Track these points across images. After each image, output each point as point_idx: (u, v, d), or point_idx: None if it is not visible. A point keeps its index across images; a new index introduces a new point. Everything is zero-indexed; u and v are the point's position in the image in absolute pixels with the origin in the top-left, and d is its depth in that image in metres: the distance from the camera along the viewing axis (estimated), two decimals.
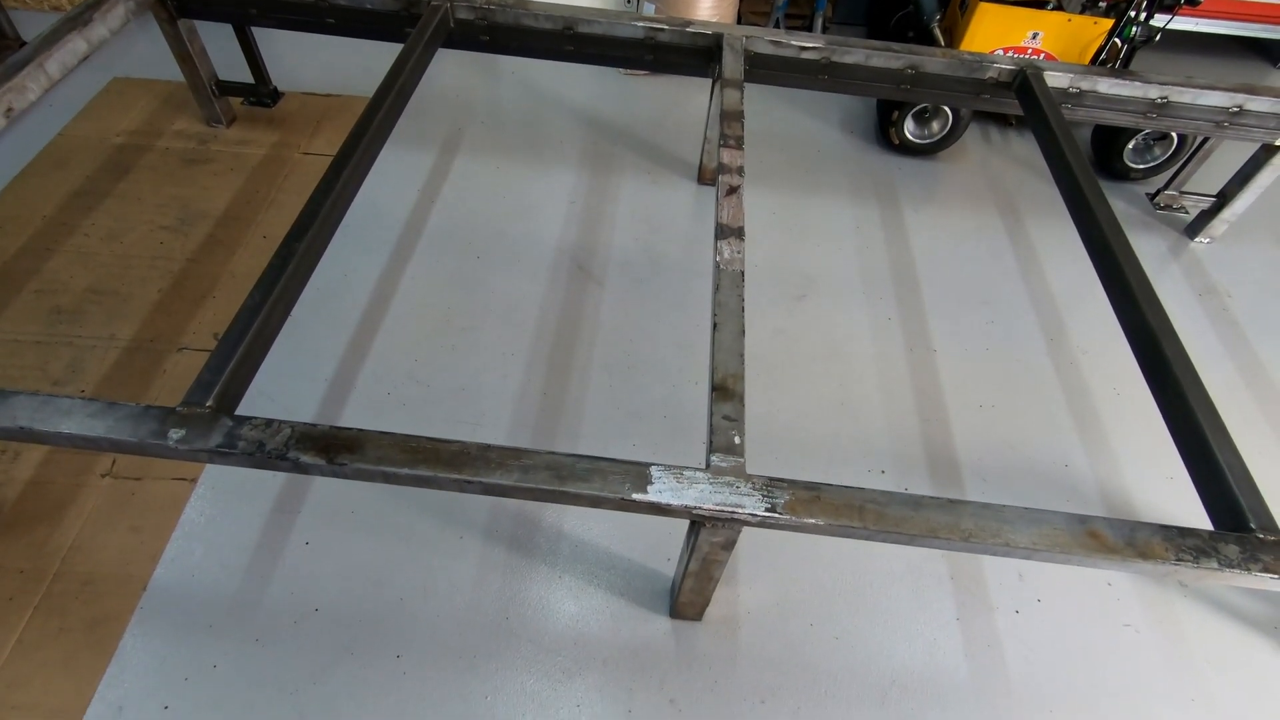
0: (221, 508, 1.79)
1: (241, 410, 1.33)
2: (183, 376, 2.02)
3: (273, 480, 1.84)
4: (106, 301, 2.19)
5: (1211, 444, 1.37)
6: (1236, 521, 1.28)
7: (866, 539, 1.23)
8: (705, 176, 2.76)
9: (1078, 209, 1.91)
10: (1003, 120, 3.23)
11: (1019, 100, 2.32)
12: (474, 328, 2.24)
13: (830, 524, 1.20)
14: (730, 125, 1.94)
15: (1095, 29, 2.77)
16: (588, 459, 1.25)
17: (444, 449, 1.25)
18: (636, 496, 1.21)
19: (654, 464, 1.25)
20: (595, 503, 1.23)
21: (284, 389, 2.03)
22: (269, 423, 1.26)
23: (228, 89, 2.69)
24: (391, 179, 2.68)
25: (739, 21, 3.56)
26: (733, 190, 1.77)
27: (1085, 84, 2.31)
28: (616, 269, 2.46)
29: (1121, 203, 2.93)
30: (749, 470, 1.27)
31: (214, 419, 1.25)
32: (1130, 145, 2.88)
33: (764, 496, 1.22)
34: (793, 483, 1.25)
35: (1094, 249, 1.82)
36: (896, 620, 1.74)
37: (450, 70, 3.23)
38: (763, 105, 3.23)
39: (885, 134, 2.97)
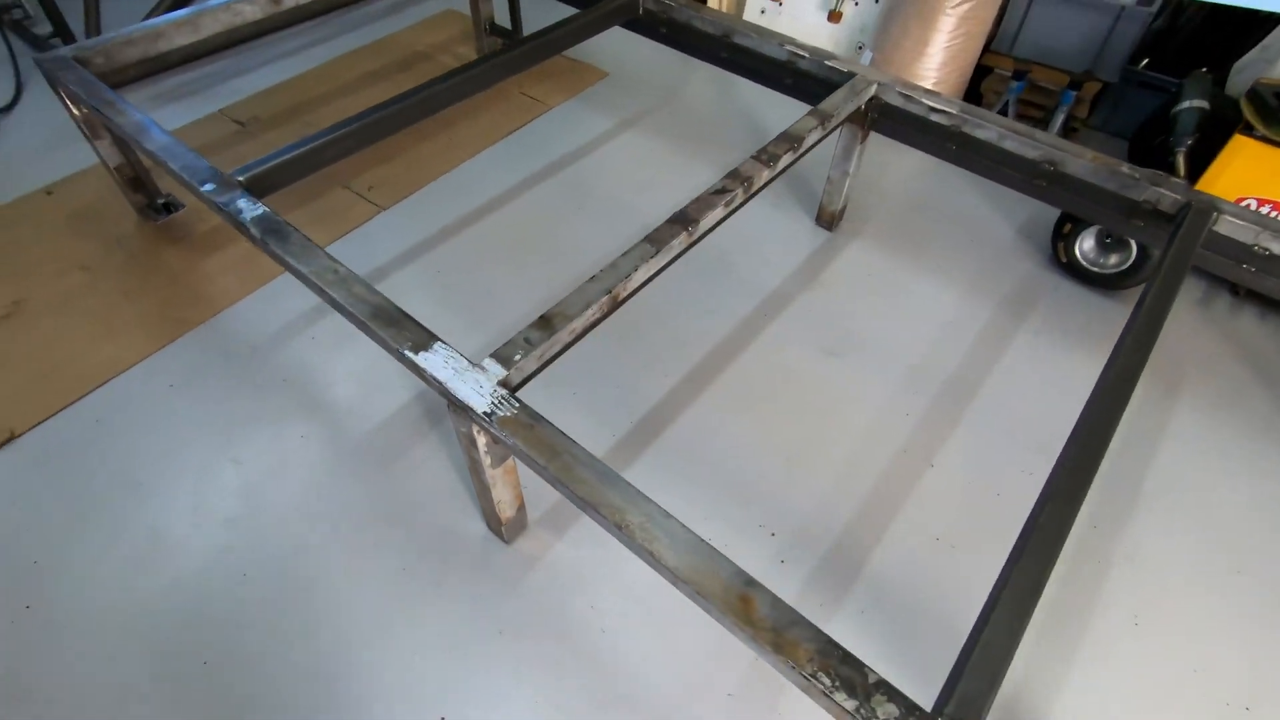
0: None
1: None
2: (326, 202, 2.69)
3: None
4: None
5: (993, 622, 1.10)
6: (943, 701, 1.03)
7: (551, 482, 1.27)
8: (823, 217, 2.70)
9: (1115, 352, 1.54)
10: (1231, 287, 2.54)
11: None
12: (534, 253, 2.56)
13: (523, 450, 1.27)
14: (778, 144, 1.95)
15: None
16: (411, 320, 1.48)
17: (328, 269, 1.58)
18: (408, 354, 1.41)
19: (442, 341, 1.43)
20: (384, 346, 1.45)
21: (363, 242, 2.57)
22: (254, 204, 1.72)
23: (495, 30, 3.38)
24: (568, 128, 3.12)
25: (979, 103, 3.32)
26: (724, 192, 1.81)
27: (1278, 246, 1.79)
28: (685, 257, 2.56)
29: None
30: (514, 382, 1.38)
31: (237, 190, 1.75)
32: None
33: (494, 401, 1.33)
34: (531, 410, 1.33)
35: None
36: (676, 658, 1.64)
37: (683, 73, 3.58)
38: (954, 186, 2.99)
39: (1055, 247, 2.57)
